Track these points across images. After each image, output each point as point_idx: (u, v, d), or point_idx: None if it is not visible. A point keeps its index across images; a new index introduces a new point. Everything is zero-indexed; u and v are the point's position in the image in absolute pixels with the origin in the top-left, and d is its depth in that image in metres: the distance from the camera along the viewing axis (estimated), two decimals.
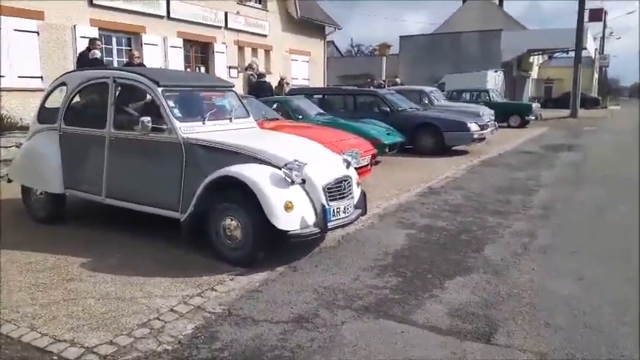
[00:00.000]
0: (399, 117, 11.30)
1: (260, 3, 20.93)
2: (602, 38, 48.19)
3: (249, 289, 3.85)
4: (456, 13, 48.49)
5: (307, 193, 4.26)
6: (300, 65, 23.45)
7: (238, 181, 4.14)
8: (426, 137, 11.32)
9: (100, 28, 14.12)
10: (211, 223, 4.36)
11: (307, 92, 12.70)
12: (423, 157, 10.85)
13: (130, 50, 14.12)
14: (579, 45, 26.62)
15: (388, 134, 9.74)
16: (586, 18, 27.22)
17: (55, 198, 5.42)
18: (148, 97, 4.94)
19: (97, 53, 10.52)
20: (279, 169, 4.21)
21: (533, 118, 20.38)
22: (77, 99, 5.43)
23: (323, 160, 4.69)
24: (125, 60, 13.73)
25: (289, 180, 4.16)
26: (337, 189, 4.49)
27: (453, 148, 11.72)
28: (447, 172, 9.10)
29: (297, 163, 4.18)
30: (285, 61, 22.24)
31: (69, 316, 3.38)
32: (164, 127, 4.61)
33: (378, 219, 5.85)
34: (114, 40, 14.97)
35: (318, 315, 3.46)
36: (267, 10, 21.04)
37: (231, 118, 5.19)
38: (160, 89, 4.70)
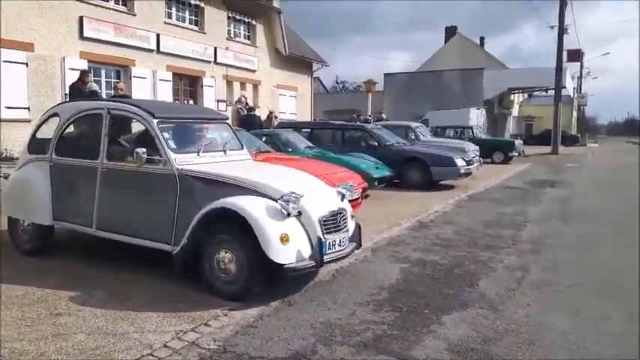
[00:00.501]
0: (386, 151, 11.41)
1: (249, 39, 21.31)
2: (580, 78, 49.71)
3: (243, 325, 3.77)
4: (439, 51, 49.83)
5: (303, 226, 4.23)
6: (288, 100, 23.77)
7: (234, 213, 4.10)
8: (414, 171, 11.44)
9: (89, 61, 14.22)
10: (205, 256, 4.29)
11: (296, 126, 12.80)
12: (411, 191, 10.92)
13: (119, 82, 14.15)
14: (559, 84, 27.37)
15: (377, 168, 9.81)
16: (565, 58, 28.07)
17: (43, 230, 5.31)
18: (142, 128, 4.93)
19: (94, 86, 10.50)
20: (276, 201, 4.19)
21: (516, 154, 20.77)
22: (70, 130, 5.38)
23: (318, 192, 4.68)
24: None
25: (285, 212, 4.13)
26: (333, 222, 4.46)
27: (440, 182, 11.83)
28: (435, 206, 9.15)
29: (293, 195, 4.16)
30: (273, 96, 22.51)
31: (58, 352, 3.26)
32: (159, 158, 4.58)
33: (370, 252, 5.82)
34: (103, 72, 15.06)
35: (316, 351, 3.38)
36: (256, 46, 21.40)
37: (225, 150, 5.18)
38: (155, 121, 4.69)
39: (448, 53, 47.24)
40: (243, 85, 20.74)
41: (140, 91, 15.50)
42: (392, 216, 7.96)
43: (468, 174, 11.91)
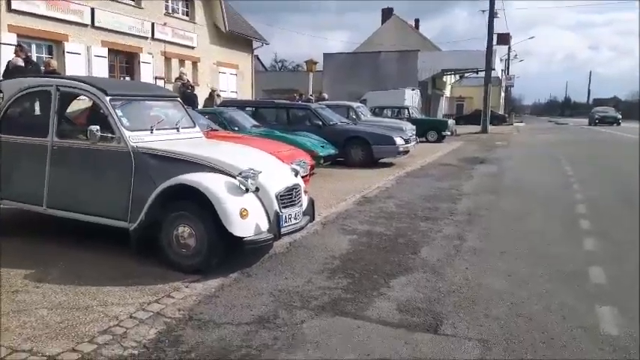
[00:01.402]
0: (330, 130, 11.67)
1: (188, 15, 20.79)
2: (508, 60, 51.98)
3: (206, 295, 3.93)
4: (376, 32, 50.43)
5: (261, 201, 4.41)
6: (229, 78, 23.48)
7: (193, 189, 4.21)
8: (356, 150, 11.80)
9: (18, 35, 13.45)
10: (163, 231, 4.38)
11: (239, 104, 12.78)
12: (354, 168, 11.28)
13: (51, 58, 13.51)
14: (489, 66, 28.64)
15: (322, 147, 10.06)
16: (494, 41, 29.32)
17: None
18: (86, 105, 4.89)
19: (19, 61, 9.99)
20: (234, 177, 4.33)
21: (449, 133, 21.67)
22: (15, 107, 5.22)
23: (274, 169, 4.86)
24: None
25: (244, 188, 4.29)
26: (288, 197, 4.67)
27: (380, 160, 12.27)
28: (377, 182, 9.54)
29: (251, 171, 4.32)
30: (213, 74, 22.16)
31: (22, 326, 3.30)
32: (112, 135, 4.59)
33: (321, 226, 6.08)
34: (33, 47, 14.29)
35: (278, 316, 3.61)
36: (195, 23, 20.93)
37: (178, 128, 5.23)
38: (107, 98, 4.67)
39: (385, 35, 47.96)
40: (182, 62, 20.28)
41: (74, 67, 14.86)
42: (338, 192, 8.26)
43: (406, 152, 12.42)
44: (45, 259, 4.56)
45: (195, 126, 5.54)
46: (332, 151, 10.39)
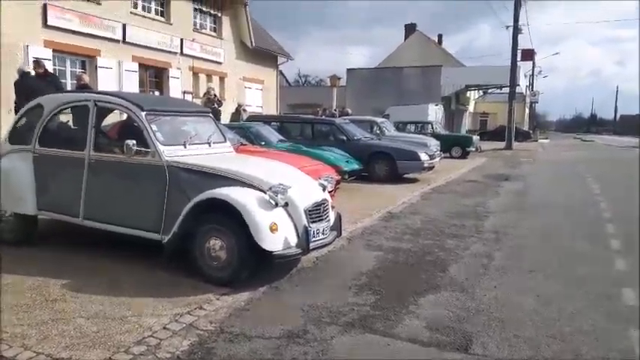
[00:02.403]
0: (354, 145, 11.74)
1: (215, 31, 21.21)
2: (532, 76, 51.55)
3: (236, 308, 3.99)
4: (399, 48, 50.62)
5: (290, 216, 4.48)
6: (254, 93, 23.78)
7: (225, 203, 4.30)
8: (381, 165, 11.84)
9: (54, 50, 13.91)
10: (196, 244, 4.47)
11: (266, 119, 12.95)
12: (378, 183, 11.31)
13: (84, 72, 13.89)
14: (513, 82, 28.45)
15: (347, 162, 10.12)
16: (518, 57, 29.16)
17: (26, 220, 5.35)
18: (129, 120, 5.04)
19: (26, 67, 10.18)
20: (264, 192, 4.41)
21: (474, 149, 21.53)
22: (54, 121, 5.41)
23: (302, 184, 4.93)
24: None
25: (274, 203, 4.36)
26: (316, 212, 4.73)
27: (405, 175, 12.26)
28: (402, 198, 9.54)
29: (281, 186, 4.40)
30: (240, 89, 22.49)
31: (61, 335, 3.40)
32: (147, 150, 4.71)
33: (347, 242, 6.11)
34: (68, 62, 14.73)
35: (308, 331, 3.64)
36: (222, 39, 21.33)
37: (209, 143, 5.35)
38: (143, 113, 4.82)
39: (407, 50, 48.11)
40: (209, 77, 20.65)
41: (106, 81, 15.26)
42: (363, 207, 8.28)
43: (430, 168, 12.40)
44: (81, 270, 4.69)
45: (225, 141, 5.66)
46: (356, 166, 10.44)
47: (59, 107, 5.32)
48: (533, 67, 49.68)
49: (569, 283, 4.89)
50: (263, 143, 9.78)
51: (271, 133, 10.72)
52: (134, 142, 4.60)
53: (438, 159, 13.41)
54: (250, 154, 6.95)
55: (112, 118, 5.74)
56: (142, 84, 17.44)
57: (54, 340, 3.32)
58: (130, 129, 5.03)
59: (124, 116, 5.45)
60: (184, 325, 3.64)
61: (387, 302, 4.25)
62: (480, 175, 14.68)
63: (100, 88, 14.37)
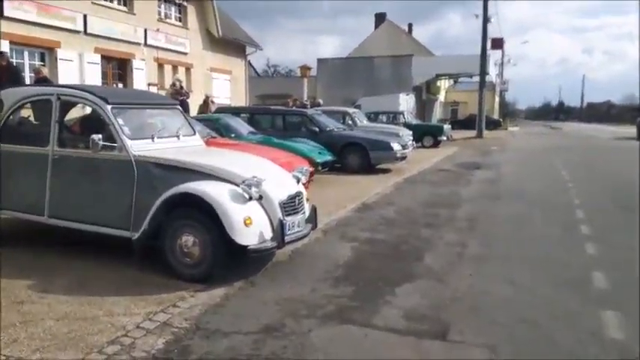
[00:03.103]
0: (326, 137, 11.70)
1: (180, 21, 20.79)
2: (502, 65, 52.31)
3: (211, 304, 3.92)
4: (369, 37, 50.65)
5: (264, 209, 4.41)
6: (222, 84, 23.45)
7: (197, 198, 4.21)
8: (353, 156, 11.83)
9: (11, 42, 13.39)
10: (167, 240, 4.37)
11: (235, 111, 12.79)
12: (351, 175, 11.31)
13: (43, 65, 13.43)
14: (483, 71, 28.83)
15: (320, 153, 10.08)
16: (488, 46, 29.56)
17: None
18: (93, 114, 4.89)
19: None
20: (237, 185, 4.34)
21: (445, 138, 21.78)
22: (15, 116, 5.21)
23: (276, 176, 4.86)
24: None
25: (247, 196, 4.29)
26: (291, 204, 4.67)
27: (378, 166, 12.30)
28: (376, 189, 9.56)
29: (255, 179, 4.33)
30: (207, 80, 22.14)
31: (30, 337, 3.28)
32: (114, 145, 4.58)
33: (322, 234, 6.08)
34: (26, 54, 14.24)
35: (285, 325, 3.61)
36: (188, 28, 20.93)
37: (178, 136, 5.23)
38: (109, 107, 4.67)
39: (378, 40, 48.18)
40: (175, 68, 20.25)
41: (67, 74, 14.79)
42: (337, 199, 8.27)
43: (403, 158, 12.47)
44: (47, 270, 4.54)
45: (195, 134, 5.55)
46: (329, 157, 10.40)
47: (20, 102, 5.12)
48: (503, 56, 50.54)
49: (542, 269, 4.98)
50: (233, 135, 9.63)
51: (241, 125, 10.58)
52: (100, 136, 4.46)
53: (410, 149, 13.52)
54: (221, 147, 6.83)
55: (74, 113, 5.54)
56: (104, 76, 17.00)
57: (23, 343, 3.19)
58: (94, 123, 4.86)
59: (87, 110, 5.27)
60: (158, 323, 3.55)
61: (364, 293, 4.24)
62: (452, 164, 14.85)
63: (61, 81, 13.95)
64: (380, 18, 52.07)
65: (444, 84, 48.64)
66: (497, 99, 56.31)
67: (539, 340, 3.42)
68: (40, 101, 5.06)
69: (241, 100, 24.72)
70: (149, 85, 18.48)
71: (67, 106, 4.99)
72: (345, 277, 4.65)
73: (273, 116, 12.66)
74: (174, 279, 4.33)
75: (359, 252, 5.46)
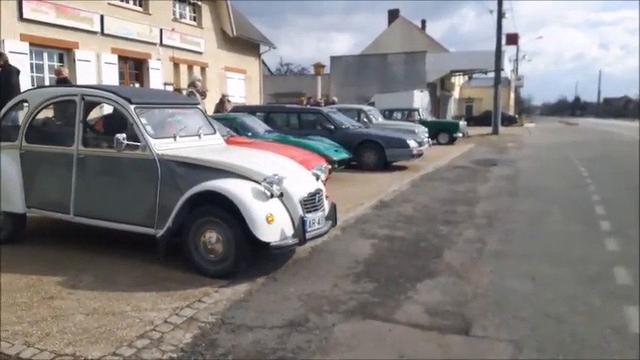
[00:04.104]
0: (342, 134, 11.72)
1: (195, 20, 20.94)
2: (517, 60, 51.84)
3: (235, 300, 3.99)
4: (382, 34, 50.55)
5: (285, 206, 4.46)
6: (237, 83, 23.57)
7: (220, 196, 4.27)
8: (369, 153, 11.85)
9: (30, 43, 13.62)
10: (190, 237, 4.45)
11: (251, 110, 12.85)
12: (367, 172, 11.33)
13: (62, 66, 13.61)
14: (498, 67, 28.61)
15: (336, 151, 10.10)
16: (503, 42, 29.33)
17: (15, 218, 5.27)
18: (115, 113, 4.98)
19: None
20: (259, 183, 4.39)
21: (461, 135, 21.65)
22: (40, 116, 5.31)
23: (297, 174, 4.92)
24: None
25: (269, 193, 4.35)
26: (311, 202, 4.72)
27: (393, 163, 12.30)
28: (393, 186, 9.58)
29: (276, 177, 4.38)
30: (221, 79, 22.27)
31: (62, 332, 3.37)
32: (138, 144, 4.65)
33: (340, 231, 6.12)
34: (45, 55, 14.46)
35: (309, 319, 3.66)
36: (203, 28, 21.07)
37: (199, 135, 5.29)
38: (132, 106, 4.74)
39: (391, 36, 48.09)
40: (190, 67, 20.41)
41: (85, 75, 15.00)
42: (354, 196, 8.30)
43: (419, 155, 12.45)
44: (75, 267, 4.64)
45: (215, 132, 5.61)
46: (345, 155, 10.42)
47: (45, 102, 5.21)
48: (518, 52, 49.99)
49: (563, 265, 4.97)
50: (249, 134, 9.71)
51: (258, 124, 10.65)
52: (124, 135, 4.53)
53: (426, 146, 13.47)
54: (240, 146, 6.90)
55: (93, 113, 5.63)
56: (121, 76, 17.20)
57: (56, 337, 3.29)
58: (116, 122, 4.94)
59: (106, 110, 5.36)
60: (185, 318, 3.63)
61: (385, 289, 4.28)
62: (469, 161, 14.80)
63: (79, 81, 14.16)
64: (393, 15, 51.91)
65: (458, 80, 48.38)
66: (512, 95, 55.82)
67: (562, 336, 3.43)
68: (65, 101, 5.15)
69: (255, 99, 24.84)
70: (165, 84, 18.65)
71: (90, 106, 5.08)
72: (366, 273, 4.69)
73: (288, 114, 12.72)
74: (197, 275, 4.41)
75: (378, 249, 5.49)
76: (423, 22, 55.49)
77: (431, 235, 6.09)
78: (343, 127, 12.16)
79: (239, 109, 13.67)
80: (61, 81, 11.13)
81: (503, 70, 32.50)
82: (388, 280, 4.48)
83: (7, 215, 5.29)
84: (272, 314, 3.73)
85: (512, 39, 33.53)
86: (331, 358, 3.13)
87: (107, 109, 5.55)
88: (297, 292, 4.18)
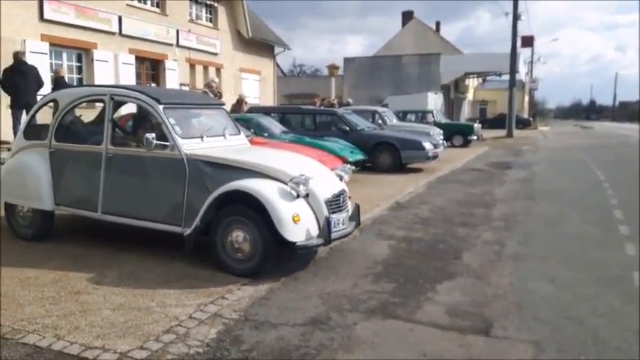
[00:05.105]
0: (357, 136, 11.76)
1: (211, 22, 21.10)
2: (532, 63, 51.49)
3: (258, 297, 4.05)
4: (396, 36, 50.47)
5: (311, 206, 4.51)
6: (251, 84, 23.69)
7: (248, 195, 4.32)
8: (384, 155, 11.87)
9: (50, 44, 13.84)
10: (217, 236, 4.50)
11: (266, 110, 12.94)
12: (382, 174, 11.35)
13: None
14: (513, 69, 28.46)
15: (352, 152, 10.15)
16: (518, 44, 29.18)
17: (43, 215, 5.37)
18: (140, 113, 5.06)
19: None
20: (285, 183, 4.44)
21: (475, 137, 21.56)
22: (69, 116, 5.41)
23: (321, 174, 4.96)
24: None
25: (295, 194, 4.40)
26: (336, 202, 4.76)
27: (408, 165, 12.31)
28: (408, 188, 9.59)
29: (303, 177, 4.43)
30: (236, 80, 22.42)
31: (90, 325, 3.46)
32: (166, 143, 4.71)
33: (358, 232, 6.11)
34: (64, 55, 14.67)
35: (331, 318, 3.71)
36: (218, 29, 21.23)
37: (225, 135, 5.34)
38: (161, 107, 4.82)
39: (405, 38, 48.00)
40: (206, 68, 20.57)
41: (102, 75, 15.20)
42: (370, 198, 8.32)
43: (435, 157, 12.44)
44: (100, 263, 4.74)
45: (240, 133, 5.67)
46: (361, 156, 10.46)
47: (75, 102, 5.30)
48: (533, 54, 49.65)
49: (582, 268, 4.97)
50: (266, 135, 9.78)
51: (273, 125, 10.72)
52: (153, 135, 4.60)
53: (441, 148, 13.46)
54: (262, 146, 6.96)
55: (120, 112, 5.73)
56: (138, 77, 17.39)
57: (85, 331, 3.37)
58: (141, 122, 5.03)
59: (129, 109, 5.45)
60: (209, 314, 3.70)
61: (405, 289, 4.32)
62: (484, 163, 14.76)
63: (97, 81, 14.37)
64: (407, 16, 51.79)
65: (472, 82, 48.14)
66: (526, 98, 55.38)
67: (584, 337, 3.45)
68: (94, 101, 5.25)
69: (269, 100, 24.96)
70: (181, 85, 18.81)
71: (118, 106, 5.17)
72: (385, 273, 4.73)
73: (304, 115, 12.78)
74: (219, 272, 4.48)
75: (396, 250, 5.53)
76: (437, 24, 55.31)
77: (448, 236, 6.11)
78: (358, 128, 12.20)
79: (254, 109, 13.77)
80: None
81: (518, 72, 32.33)
82: (407, 281, 4.52)
83: (36, 212, 5.38)
84: (294, 312, 3.79)
85: (528, 41, 33.44)
86: (355, 355, 3.17)
87: (132, 109, 5.63)
88: (318, 290, 4.23)
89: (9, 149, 9.36)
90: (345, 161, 9.26)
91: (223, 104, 5.98)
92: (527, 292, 4.29)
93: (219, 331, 3.44)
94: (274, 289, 4.25)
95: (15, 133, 9.72)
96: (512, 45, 28.14)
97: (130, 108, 6.00)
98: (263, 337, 3.37)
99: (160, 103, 4.82)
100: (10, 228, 5.61)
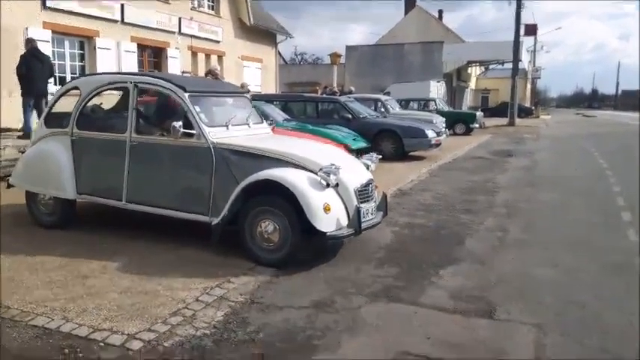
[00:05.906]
0: (360, 124, 11.73)
1: (213, 9, 20.99)
2: (534, 52, 51.08)
3: (263, 281, 4.09)
4: (398, 24, 50.12)
5: (340, 196, 4.47)
6: (253, 72, 23.60)
7: (278, 185, 4.28)
8: (387, 143, 11.85)
9: (53, 31, 13.78)
10: (246, 226, 4.45)
11: (268, 99, 12.92)
12: (385, 162, 11.32)
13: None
14: (516, 58, 28.30)
15: (354, 139, 10.15)
16: (521, 32, 28.97)
17: (65, 203, 5.33)
18: (163, 101, 5.03)
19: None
20: (314, 172, 4.41)
21: (478, 126, 21.51)
22: (92, 103, 5.35)
23: (349, 164, 4.91)
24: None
25: (325, 183, 4.36)
26: (365, 192, 4.72)
27: (411, 153, 12.31)
28: (411, 175, 9.61)
29: (333, 167, 4.39)
30: (238, 68, 22.35)
31: (98, 308, 3.50)
32: (192, 132, 4.65)
33: None
34: (67, 43, 14.63)
35: (335, 301, 3.75)
36: (220, 17, 21.12)
37: (249, 124, 5.29)
38: (187, 94, 4.76)
39: (407, 26, 47.65)
40: (207, 56, 20.49)
41: (105, 62, 15.16)
42: None
43: (437, 145, 12.43)
44: (109, 250, 4.74)
45: (262, 122, 5.63)
46: (364, 144, 10.44)
47: (97, 89, 5.23)
48: (535, 43, 49.26)
49: (585, 254, 5.00)
50: (269, 122, 9.75)
51: (276, 112, 10.72)
52: (180, 123, 4.53)
53: (444, 136, 13.44)
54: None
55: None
56: (141, 64, 17.33)
57: (92, 313, 3.41)
58: (164, 110, 5.00)
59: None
60: (216, 297, 3.74)
61: (409, 274, 4.36)
62: (486, 151, 14.75)
63: (99, 69, 14.33)
64: (410, 4, 51.40)
65: (474, 71, 47.91)
66: (528, 86, 55.13)
67: (587, 320, 3.49)
68: (117, 89, 5.21)
69: (271, 88, 24.88)
70: (183, 72, 18.76)
71: (142, 94, 5.12)
72: (389, 258, 4.76)
73: (306, 103, 12.75)
74: (226, 257, 4.51)
75: (399, 236, 5.56)
76: (440, 12, 54.92)
77: (451, 223, 6.13)
78: (361, 116, 12.18)
79: (256, 97, 13.73)
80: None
81: (520, 61, 32.17)
82: (411, 266, 4.56)
83: (57, 201, 5.35)
84: (299, 295, 3.83)
85: (531, 30, 33.11)
86: (360, 337, 3.21)
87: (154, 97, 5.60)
88: (323, 275, 4.28)
89: (17, 137, 9.40)
90: (348, 149, 9.28)
91: (246, 92, 5.91)
92: (530, 277, 4.33)
93: (225, 314, 3.48)
94: (279, 273, 4.27)
95: (26, 121, 9.74)
96: (515, 33, 27.95)
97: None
98: (269, 319, 3.42)
99: (185, 91, 4.75)
100: (31, 215, 5.56)
